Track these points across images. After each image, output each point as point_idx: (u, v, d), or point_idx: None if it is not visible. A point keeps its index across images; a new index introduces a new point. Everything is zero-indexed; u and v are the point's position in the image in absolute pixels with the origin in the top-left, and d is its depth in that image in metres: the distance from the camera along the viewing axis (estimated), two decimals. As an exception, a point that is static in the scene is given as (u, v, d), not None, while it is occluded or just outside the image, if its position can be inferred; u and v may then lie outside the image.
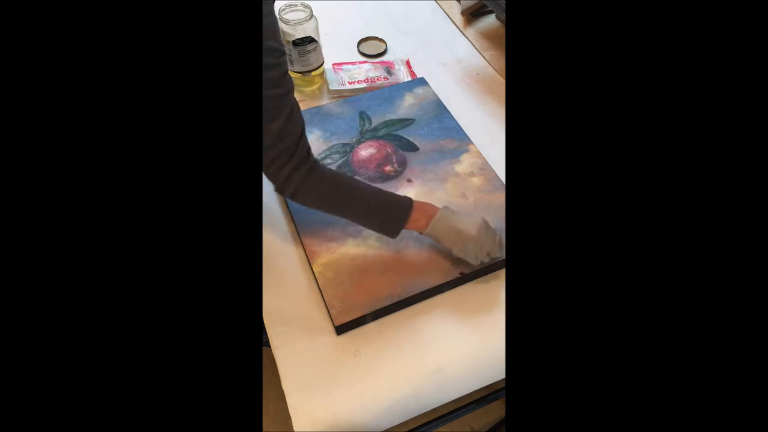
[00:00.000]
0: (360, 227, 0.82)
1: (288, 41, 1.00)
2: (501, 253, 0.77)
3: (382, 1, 1.28)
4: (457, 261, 0.79)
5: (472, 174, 0.90)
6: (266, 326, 0.75)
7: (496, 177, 0.90)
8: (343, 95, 1.06)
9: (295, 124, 0.64)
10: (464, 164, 0.92)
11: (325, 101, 1.05)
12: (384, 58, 1.14)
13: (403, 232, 0.74)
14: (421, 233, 0.75)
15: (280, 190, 0.70)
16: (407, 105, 1.02)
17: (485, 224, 0.74)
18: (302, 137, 0.66)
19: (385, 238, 0.78)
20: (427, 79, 1.06)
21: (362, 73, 1.09)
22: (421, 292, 0.76)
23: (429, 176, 0.90)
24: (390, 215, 0.72)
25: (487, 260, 0.76)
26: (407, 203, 0.72)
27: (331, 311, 0.75)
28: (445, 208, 0.74)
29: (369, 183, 0.75)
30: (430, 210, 0.73)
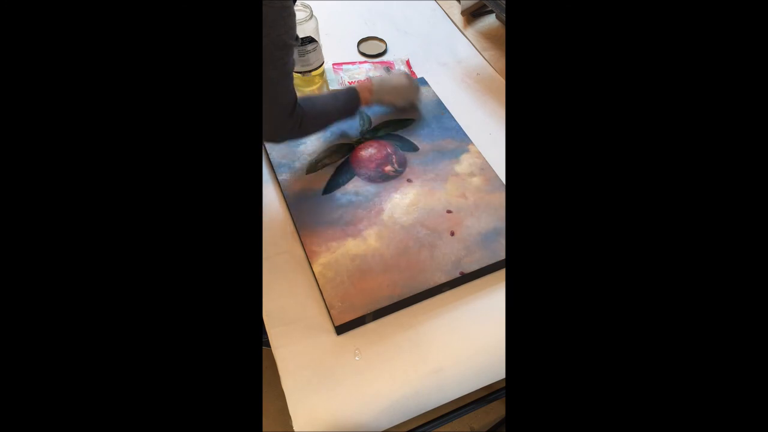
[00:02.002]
0: (358, 224, 0.83)
1: (288, 41, 1.00)
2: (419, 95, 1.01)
3: (382, 1, 1.28)
4: (457, 261, 0.79)
5: (472, 174, 0.90)
6: (266, 326, 0.75)
7: (496, 177, 0.90)
8: (343, 95, 1.06)
9: (293, 92, 0.81)
10: (464, 164, 0.92)
11: (325, 101, 1.05)
12: (384, 58, 1.14)
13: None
14: (369, 104, 0.95)
15: (282, 140, 0.89)
16: (407, 105, 1.02)
17: (407, 74, 0.99)
18: (296, 101, 0.82)
19: (386, 237, 0.81)
20: (427, 79, 1.06)
21: (362, 73, 1.09)
22: (421, 292, 0.76)
23: (429, 176, 0.90)
24: (350, 106, 0.93)
25: (417, 102, 1.01)
26: (353, 90, 0.93)
27: (331, 311, 0.75)
28: (375, 77, 0.96)
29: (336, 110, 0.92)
30: (367, 84, 0.95)
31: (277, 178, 0.91)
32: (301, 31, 0.99)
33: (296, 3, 1.00)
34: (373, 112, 1.00)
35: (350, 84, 1.07)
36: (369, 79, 0.96)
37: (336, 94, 0.92)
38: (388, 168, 0.92)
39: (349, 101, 0.92)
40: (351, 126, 0.98)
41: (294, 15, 0.75)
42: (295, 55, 1.01)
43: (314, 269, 0.79)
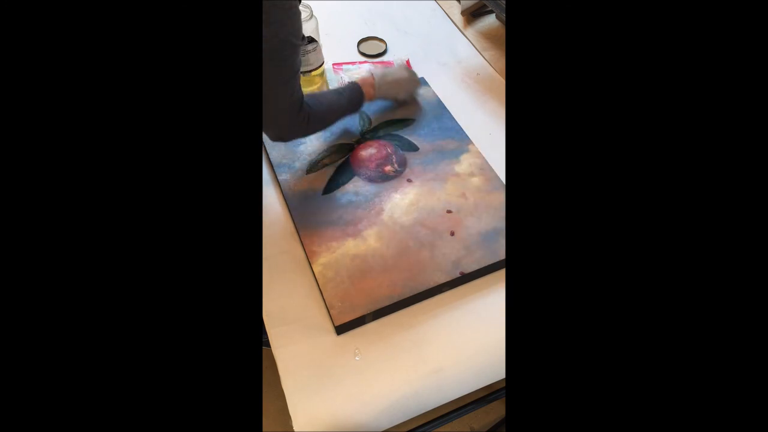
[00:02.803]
0: (358, 224, 0.83)
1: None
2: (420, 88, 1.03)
3: (382, 1, 1.28)
4: (457, 261, 0.79)
5: (471, 174, 0.90)
6: (266, 326, 0.75)
7: (496, 177, 0.90)
8: (343, 95, 1.06)
9: (300, 90, 0.82)
10: (464, 164, 0.92)
11: (325, 101, 1.05)
12: (384, 58, 1.14)
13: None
14: (372, 99, 0.96)
15: (288, 139, 0.88)
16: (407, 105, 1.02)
17: (405, 67, 1.01)
18: (302, 96, 0.83)
19: (386, 237, 0.81)
20: (427, 79, 1.06)
21: (362, 73, 1.08)
22: (421, 292, 0.76)
23: (429, 176, 0.90)
24: (355, 102, 0.93)
25: (415, 92, 1.02)
26: (356, 86, 0.93)
27: (331, 311, 0.75)
28: (375, 69, 1.01)
29: (337, 105, 0.92)
30: (369, 80, 0.95)
31: (277, 178, 0.91)
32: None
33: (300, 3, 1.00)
34: (375, 110, 1.00)
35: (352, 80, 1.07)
36: (371, 74, 0.97)
37: (340, 90, 0.93)
38: (388, 168, 0.92)
39: (353, 97, 0.93)
40: (351, 126, 0.98)
41: (299, 14, 0.76)
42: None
43: (314, 269, 0.79)
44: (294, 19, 0.74)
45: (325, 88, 1.07)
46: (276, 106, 0.79)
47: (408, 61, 1.12)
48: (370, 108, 1.00)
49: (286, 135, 0.86)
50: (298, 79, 0.81)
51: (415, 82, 1.01)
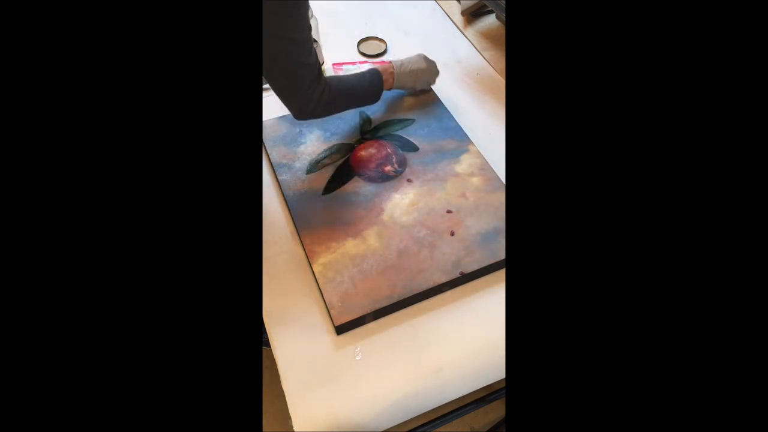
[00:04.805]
0: (358, 224, 0.83)
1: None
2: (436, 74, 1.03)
3: (382, 1, 1.28)
4: (457, 261, 0.79)
5: (471, 174, 0.90)
6: (266, 326, 0.75)
7: (496, 177, 0.90)
8: (343, 95, 1.06)
9: (315, 55, 0.79)
10: (464, 164, 0.92)
11: (325, 101, 1.05)
12: (384, 58, 1.14)
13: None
14: (390, 89, 0.96)
15: (311, 113, 0.83)
16: (407, 105, 1.02)
17: (425, 56, 1.00)
18: (320, 67, 0.81)
19: (386, 237, 0.81)
20: (427, 79, 1.07)
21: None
22: (421, 292, 0.76)
23: (429, 176, 0.90)
24: (376, 90, 0.94)
25: (433, 82, 1.03)
26: (377, 73, 0.93)
27: (331, 311, 0.75)
28: (395, 61, 0.97)
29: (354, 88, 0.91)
30: (389, 68, 0.95)
31: (277, 178, 0.91)
32: (301, 31, 0.99)
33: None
34: (374, 112, 1.00)
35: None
36: (390, 62, 0.96)
37: (362, 73, 0.92)
38: (388, 168, 0.92)
39: (373, 83, 0.92)
40: (351, 126, 0.98)
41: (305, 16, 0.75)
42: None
43: (314, 269, 0.79)
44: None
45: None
46: (291, 72, 0.76)
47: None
48: (371, 109, 1.00)
49: (306, 105, 0.82)
50: (312, 40, 0.77)
51: (434, 72, 1.01)
